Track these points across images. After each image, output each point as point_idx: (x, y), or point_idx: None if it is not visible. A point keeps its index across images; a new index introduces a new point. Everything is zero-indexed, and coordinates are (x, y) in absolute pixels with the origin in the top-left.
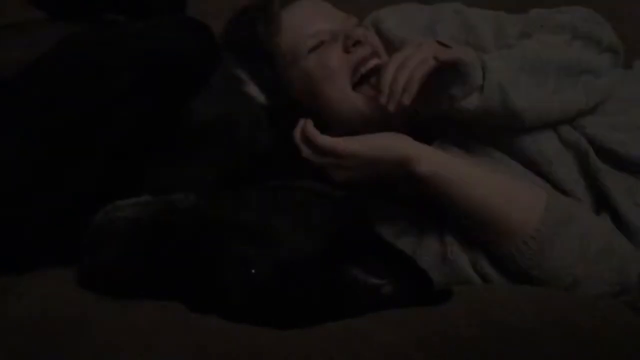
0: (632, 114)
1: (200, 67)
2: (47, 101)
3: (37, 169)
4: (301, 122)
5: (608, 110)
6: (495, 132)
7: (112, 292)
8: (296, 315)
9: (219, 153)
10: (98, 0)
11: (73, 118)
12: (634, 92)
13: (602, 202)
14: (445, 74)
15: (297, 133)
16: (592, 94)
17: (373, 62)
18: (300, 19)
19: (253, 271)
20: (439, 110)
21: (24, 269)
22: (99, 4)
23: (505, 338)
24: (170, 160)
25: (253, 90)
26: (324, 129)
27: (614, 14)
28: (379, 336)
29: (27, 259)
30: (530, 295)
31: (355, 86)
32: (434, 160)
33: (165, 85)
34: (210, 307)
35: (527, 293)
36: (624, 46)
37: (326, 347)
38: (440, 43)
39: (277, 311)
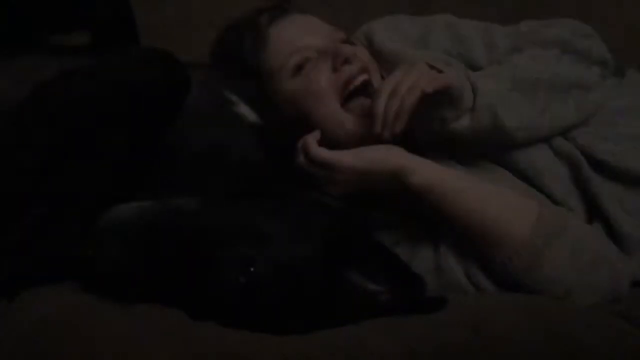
0: (623, 125)
1: (171, 95)
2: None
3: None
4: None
5: (599, 122)
6: (487, 145)
7: (114, 294)
8: (294, 318)
9: (213, 179)
10: (41, 20)
11: (58, 148)
12: (625, 101)
13: (594, 212)
14: (436, 96)
15: (299, 142)
16: (582, 108)
17: (361, 78)
18: (286, 35)
19: (252, 269)
20: (431, 130)
21: (24, 284)
22: (42, 23)
23: (497, 348)
24: (163, 189)
25: (243, 109)
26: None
27: (607, 22)
28: (373, 344)
29: (27, 275)
30: (523, 305)
31: (345, 102)
32: (427, 172)
33: (141, 116)
34: (209, 312)
35: (520, 303)
36: (616, 54)
37: (322, 355)
38: (430, 66)
39: (275, 313)
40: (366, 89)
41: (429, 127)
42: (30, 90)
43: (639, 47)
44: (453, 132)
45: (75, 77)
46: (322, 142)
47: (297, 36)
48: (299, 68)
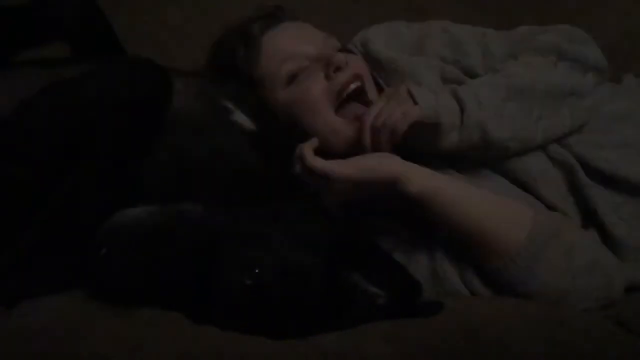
0: (618, 131)
1: (154, 101)
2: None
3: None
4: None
5: (594, 128)
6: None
7: (118, 297)
8: (296, 321)
9: (212, 186)
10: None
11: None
12: (620, 108)
13: (590, 218)
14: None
15: (297, 150)
16: (576, 116)
17: (354, 86)
18: (278, 43)
19: (257, 271)
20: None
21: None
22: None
23: (494, 352)
24: (163, 197)
25: (240, 117)
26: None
27: (606, 27)
28: (370, 349)
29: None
30: (519, 310)
31: (338, 109)
32: (422, 179)
33: (126, 122)
34: (212, 315)
35: (516, 307)
36: (614, 59)
37: (320, 359)
38: (410, 94)
39: (278, 316)
40: (360, 95)
41: (418, 146)
42: (15, 106)
43: (637, 52)
44: (443, 149)
45: (57, 90)
46: (318, 150)
47: (289, 44)
48: (292, 76)
